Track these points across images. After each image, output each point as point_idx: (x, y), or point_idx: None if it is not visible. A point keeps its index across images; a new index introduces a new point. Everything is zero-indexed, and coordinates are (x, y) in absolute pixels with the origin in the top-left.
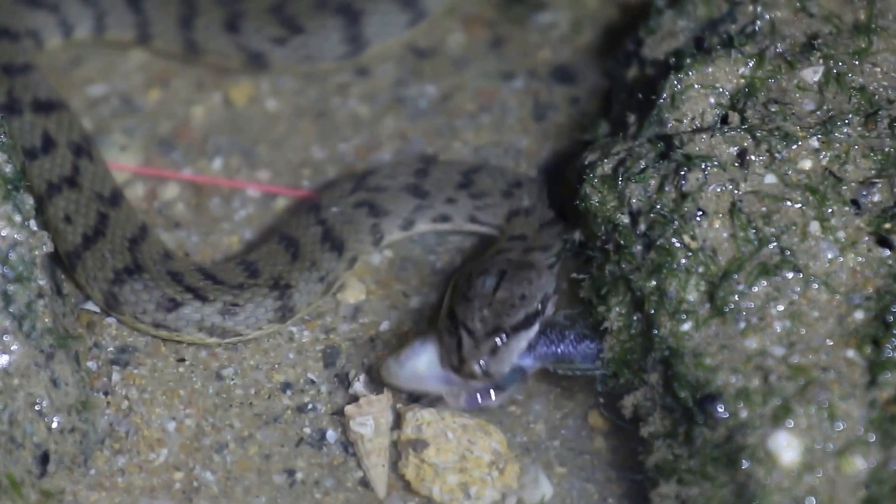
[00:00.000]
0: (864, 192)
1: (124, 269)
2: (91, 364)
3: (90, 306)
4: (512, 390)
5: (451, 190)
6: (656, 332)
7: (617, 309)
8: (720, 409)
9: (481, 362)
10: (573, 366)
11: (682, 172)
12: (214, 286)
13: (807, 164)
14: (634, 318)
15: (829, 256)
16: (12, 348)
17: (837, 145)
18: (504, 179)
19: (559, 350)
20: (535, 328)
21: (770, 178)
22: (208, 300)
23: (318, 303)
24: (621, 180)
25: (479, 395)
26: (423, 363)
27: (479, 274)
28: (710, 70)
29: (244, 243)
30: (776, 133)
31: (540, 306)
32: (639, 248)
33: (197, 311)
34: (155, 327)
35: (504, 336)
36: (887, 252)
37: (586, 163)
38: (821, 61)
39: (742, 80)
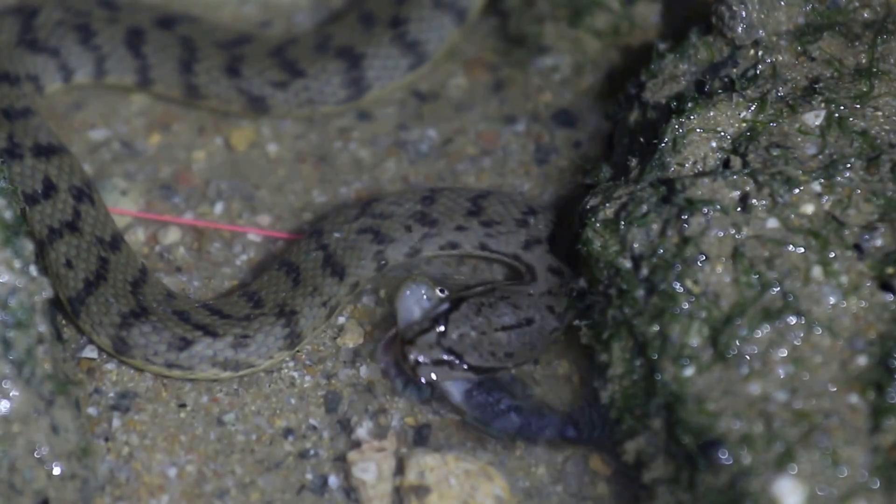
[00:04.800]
0: (867, 237)
1: (130, 313)
2: (91, 410)
3: (89, 353)
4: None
5: (460, 217)
6: (659, 377)
7: (619, 354)
8: (723, 455)
9: (418, 358)
10: (487, 428)
11: (685, 217)
12: (222, 321)
13: (809, 209)
14: (637, 363)
15: (832, 301)
16: (12, 394)
17: (839, 189)
18: (517, 207)
19: (493, 408)
20: (479, 379)
21: (772, 223)
22: (219, 335)
23: (322, 327)
24: (623, 224)
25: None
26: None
27: (508, 302)
28: (712, 114)
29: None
30: (778, 177)
31: (510, 367)
32: (641, 292)
33: (209, 346)
34: (168, 367)
35: (457, 363)
36: (890, 297)
37: (588, 207)
38: (822, 105)
39: (744, 124)
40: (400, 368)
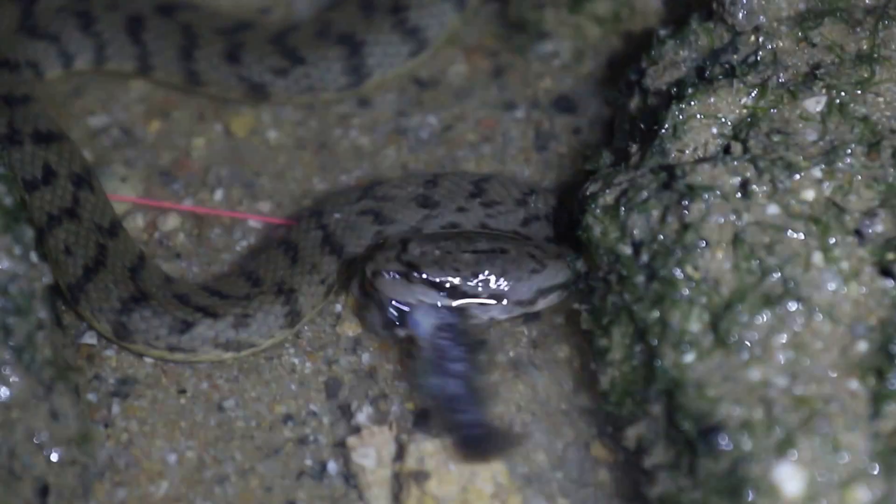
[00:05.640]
0: (867, 223)
1: (130, 298)
2: (91, 396)
3: (89, 339)
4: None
5: (462, 199)
6: (659, 363)
7: (619, 339)
8: (723, 441)
9: (375, 273)
10: (424, 374)
11: (685, 203)
12: (222, 301)
13: (810, 195)
14: (637, 348)
15: (832, 287)
16: (11, 381)
17: (840, 175)
18: (517, 188)
19: (446, 363)
20: (452, 303)
21: (773, 209)
22: (219, 316)
23: (321, 306)
24: (623, 211)
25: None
26: None
27: (487, 235)
28: (713, 100)
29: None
30: (779, 163)
31: (488, 299)
32: (641, 278)
33: (210, 328)
34: (170, 351)
35: (416, 276)
36: (891, 282)
37: (588, 193)
38: (823, 91)
39: (744, 111)
40: (373, 303)
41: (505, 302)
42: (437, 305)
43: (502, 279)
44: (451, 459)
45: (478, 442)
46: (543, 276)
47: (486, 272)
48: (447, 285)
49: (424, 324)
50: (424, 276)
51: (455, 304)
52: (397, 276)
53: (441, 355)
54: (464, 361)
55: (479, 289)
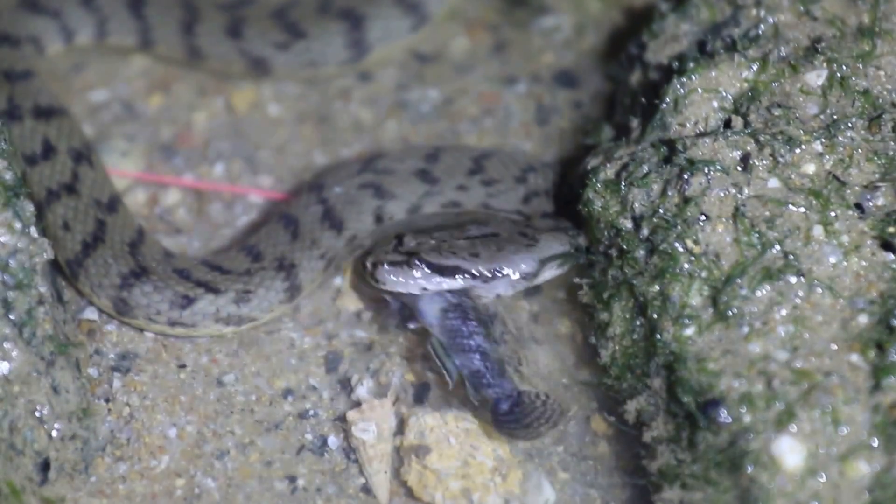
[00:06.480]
0: (868, 196)
1: (130, 273)
2: (92, 371)
3: (89, 314)
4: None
5: (462, 177)
6: (659, 336)
7: (620, 313)
8: (723, 414)
9: (375, 264)
10: (445, 358)
11: (685, 177)
12: (223, 276)
13: (810, 168)
14: (637, 322)
15: (833, 260)
16: (13, 355)
17: (841, 149)
18: (516, 165)
19: (461, 340)
20: (456, 284)
21: (773, 183)
22: (220, 291)
23: (320, 280)
24: (624, 185)
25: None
26: None
27: (477, 222)
28: (714, 74)
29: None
30: (779, 137)
31: (487, 274)
32: (642, 252)
33: (211, 303)
34: (171, 326)
35: (417, 262)
36: (891, 256)
37: (589, 167)
38: (824, 65)
39: (745, 84)
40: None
41: (508, 277)
42: (440, 291)
43: (499, 255)
44: (451, 434)
45: (511, 414)
46: (540, 248)
47: (483, 251)
48: (448, 267)
49: (431, 310)
50: (426, 261)
51: (458, 285)
52: (398, 266)
53: (454, 335)
54: (478, 335)
55: (480, 267)
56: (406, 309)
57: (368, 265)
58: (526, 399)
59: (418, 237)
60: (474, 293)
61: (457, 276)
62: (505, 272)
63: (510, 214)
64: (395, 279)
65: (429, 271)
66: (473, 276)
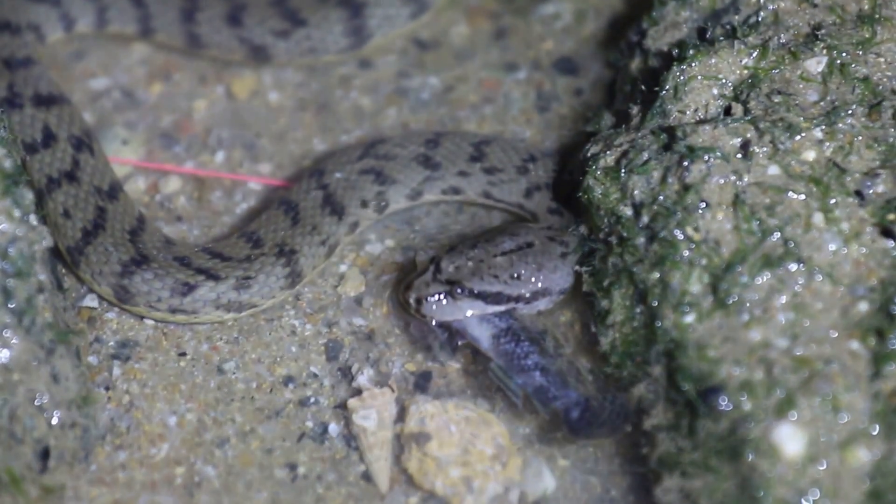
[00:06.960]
0: (868, 183)
1: (131, 261)
2: (92, 359)
3: (89, 302)
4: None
5: (462, 163)
6: (659, 324)
7: (620, 301)
8: (723, 402)
9: (420, 298)
10: (507, 380)
11: (685, 164)
12: (223, 263)
13: (810, 155)
14: (637, 310)
15: (833, 248)
16: (12, 343)
17: (841, 136)
18: (517, 154)
19: (519, 362)
20: (500, 308)
21: (773, 170)
22: (221, 278)
23: (321, 266)
24: (624, 172)
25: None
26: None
27: (505, 234)
28: (714, 61)
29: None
30: (779, 124)
31: (528, 295)
32: (642, 240)
33: (212, 290)
34: (172, 313)
35: (461, 292)
36: (891, 243)
37: (589, 154)
38: (824, 52)
39: (745, 71)
40: (426, 330)
41: (549, 295)
42: (487, 315)
43: (540, 274)
44: (451, 421)
45: (584, 420)
46: (573, 256)
47: (523, 271)
48: (492, 293)
49: (484, 337)
50: (469, 289)
51: (503, 308)
52: (442, 298)
53: (511, 357)
54: (534, 353)
55: (522, 290)
56: (454, 332)
57: (412, 301)
58: (594, 402)
59: (454, 259)
60: (517, 311)
61: (500, 303)
62: (547, 292)
63: (511, 207)
64: (441, 311)
65: (473, 298)
66: (517, 300)
